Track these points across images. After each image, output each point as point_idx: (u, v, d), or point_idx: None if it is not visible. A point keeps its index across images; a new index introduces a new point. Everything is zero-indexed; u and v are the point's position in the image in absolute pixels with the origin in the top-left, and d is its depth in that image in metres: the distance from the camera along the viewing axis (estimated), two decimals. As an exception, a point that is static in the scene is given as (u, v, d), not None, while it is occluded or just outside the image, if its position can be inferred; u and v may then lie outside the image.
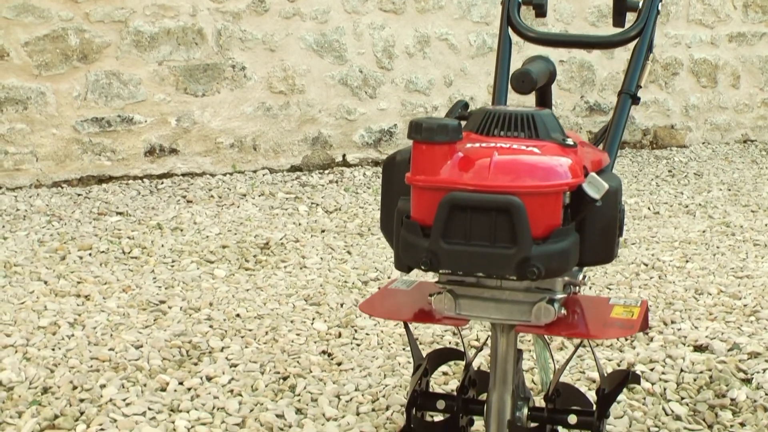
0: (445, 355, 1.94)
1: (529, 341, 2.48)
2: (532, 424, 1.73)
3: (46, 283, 3.01)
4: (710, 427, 2.08)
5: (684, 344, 2.54)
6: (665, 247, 3.61)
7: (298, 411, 2.13)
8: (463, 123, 1.62)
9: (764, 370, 2.35)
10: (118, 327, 2.62)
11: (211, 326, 2.64)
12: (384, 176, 1.67)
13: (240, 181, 4.59)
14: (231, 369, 2.35)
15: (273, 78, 4.80)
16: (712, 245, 3.64)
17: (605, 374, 1.78)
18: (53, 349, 2.45)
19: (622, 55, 5.63)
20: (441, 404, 1.77)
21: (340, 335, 2.60)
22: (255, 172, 4.79)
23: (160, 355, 2.41)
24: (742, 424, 2.08)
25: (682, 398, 2.22)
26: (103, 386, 2.21)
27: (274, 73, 4.80)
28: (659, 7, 1.96)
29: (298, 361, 2.40)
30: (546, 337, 1.99)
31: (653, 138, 5.97)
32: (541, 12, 2.09)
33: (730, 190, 4.76)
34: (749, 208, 4.32)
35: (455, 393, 1.78)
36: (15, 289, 2.93)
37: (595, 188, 1.51)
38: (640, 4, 1.96)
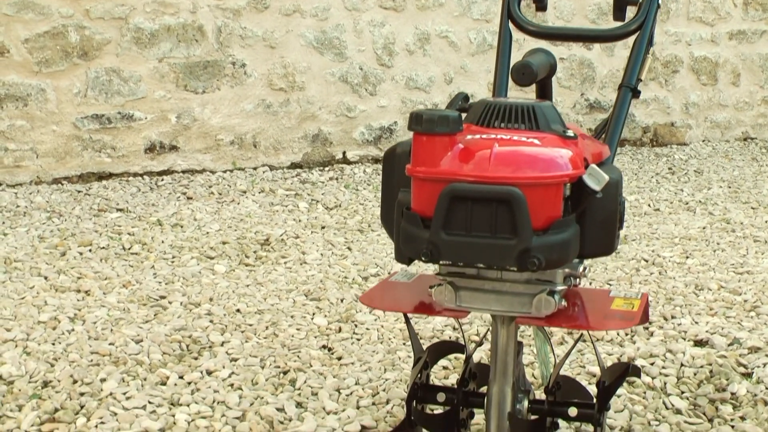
0: (445, 348, 1.94)
1: (530, 336, 2.48)
2: (533, 417, 1.73)
3: (46, 278, 3.01)
4: (710, 420, 2.08)
5: (684, 339, 2.54)
6: (665, 243, 3.61)
7: (299, 405, 2.13)
8: (464, 115, 1.62)
9: (764, 365, 2.35)
10: (118, 322, 2.62)
11: (211, 321, 2.64)
12: (384, 168, 1.68)
13: (240, 178, 4.59)
14: (231, 363, 2.35)
15: (273, 75, 4.80)
16: (713, 241, 3.64)
17: (605, 367, 1.79)
18: (53, 344, 2.45)
19: (623, 52, 5.63)
20: (441, 397, 1.77)
21: (340, 330, 2.60)
22: (255, 169, 4.79)
23: (160, 350, 2.41)
24: (743, 418, 2.08)
25: (683, 392, 2.22)
26: (103, 380, 2.21)
27: (274, 70, 4.80)
28: (659, 1, 1.97)
29: (298, 356, 2.40)
30: (546, 331, 1.99)
31: (653, 136, 5.97)
32: (541, 6, 2.09)
33: (730, 187, 4.76)
34: (749, 205, 4.32)
35: (455, 386, 1.79)
36: (15, 284, 2.93)
37: (595, 180, 1.51)
38: (641, -2, 1.96)
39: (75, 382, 2.21)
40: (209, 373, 2.29)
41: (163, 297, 2.84)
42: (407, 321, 1.81)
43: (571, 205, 1.53)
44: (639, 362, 2.37)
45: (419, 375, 1.77)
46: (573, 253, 1.51)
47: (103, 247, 3.38)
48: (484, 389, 1.76)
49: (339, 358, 2.40)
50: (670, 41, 5.91)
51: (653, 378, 2.27)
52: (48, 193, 4.20)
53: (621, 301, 1.68)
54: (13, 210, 3.91)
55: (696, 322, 2.68)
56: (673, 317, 2.72)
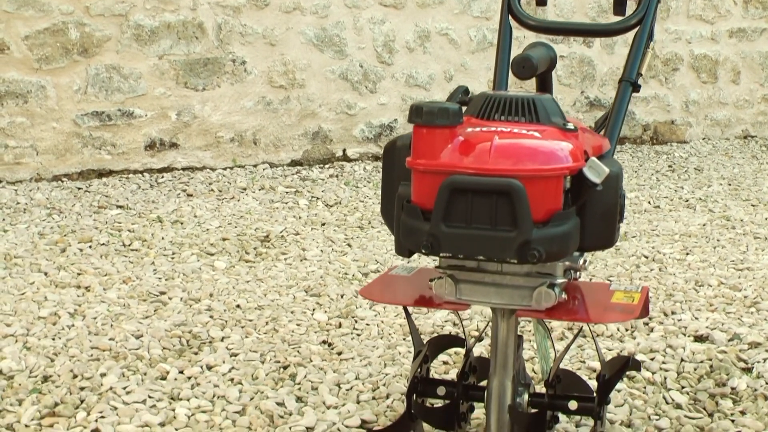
0: (445, 342, 1.94)
1: (530, 332, 2.48)
2: (533, 410, 1.73)
3: (46, 274, 3.01)
4: (711, 415, 2.08)
5: (684, 334, 2.54)
6: (665, 240, 3.61)
7: (299, 399, 2.13)
8: (464, 108, 1.62)
9: (765, 360, 2.35)
10: (118, 317, 2.62)
11: (211, 317, 2.64)
12: (384, 162, 1.68)
13: (240, 176, 4.59)
14: (231, 358, 2.35)
15: (273, 72, 4.80)
16: (713, 238, 3.64)
17: (605, 361, 1.79)
18: (53, 339, 2.45)
19: (623, 50, 5.62)
20: (441, 390, 1.77)
21: (340, 325, 2.60)
22: (255, 166, 4.79)
23: (160, 345, 2.41)
24: (743, 413, 2.08)
25: (683, 387, 2.22)
26: (103, 375, 2.21)
27: (274, 67, 4.80)
28: (660, -5, 1.97)
29: (298, 351, 2.40)
30: (547, 325, 1.99)
31: (653, 133, 5.97)
32: (541, 0, 2.09)
33: (730, 184, 4.76)
34: (749, 203, 4.32)
35: (456, 380, 1.79)
36: (15, 280, 2.93)
37: (595, 173, 1.51)
38: (641, -7, 1.96)
39: (75, 376, 2.21)
40: (209, 367, 2.29)
41: (163, 293, 2.84)
42: (407, 314, 1.81)
43: (571, 197, 1.53)
44: (639, 357, 2.37)
45: (419, 369, 1.77)
46: (573, 246, 1.52)
47: (103, 244, 3.38)
48: (484, 383, 1.76)
49: (339, 353, 2.40)
50: (670, 39, 5.91)
51: (653, 373, 2.27)
52: (48, 190, 4.20)
53: (621, 295, 1.68)
54: (13, 207, 3.91)
55: (696, 318, 2.68)
56: (673, 313, 2.72)
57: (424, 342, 1.84)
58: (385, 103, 5.09)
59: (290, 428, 1.98)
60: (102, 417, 2.00)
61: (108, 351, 2.37)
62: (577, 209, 1.53)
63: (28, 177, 4.35)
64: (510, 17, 2.01)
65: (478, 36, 5.28)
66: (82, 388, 2.14)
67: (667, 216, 4.04)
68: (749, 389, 2.19)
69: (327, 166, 4.92)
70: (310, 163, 4.94)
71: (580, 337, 2.49)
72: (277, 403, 2.09)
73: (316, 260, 3.24)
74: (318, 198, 4.21)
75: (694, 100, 6.04)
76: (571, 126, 1.56)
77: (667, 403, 2.13)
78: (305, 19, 4.84)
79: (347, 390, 2.18)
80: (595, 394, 1.74)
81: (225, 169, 4.71)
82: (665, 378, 2.25)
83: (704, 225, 3.86)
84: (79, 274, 3.01)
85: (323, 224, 3.75)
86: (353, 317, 2.66)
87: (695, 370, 2.30)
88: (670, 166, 5.24)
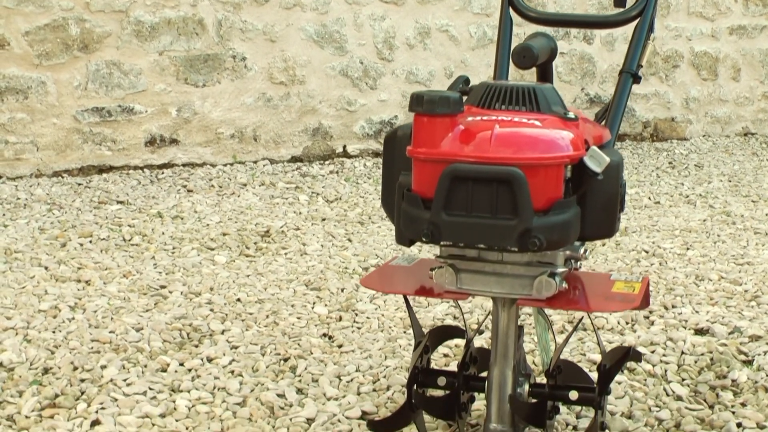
0: (446, 333, 1.94)
1: (530, 325, 2.48)
2: (533, 400, 1.73)
3: (46, 268, 3.01)
4: (711, 407, 2.08)
5: (685, 328, 2.54)
6: (666, 235, 3.61)
7: (299, 391, 2.13)
8: (465, 98, 1.62)
9: (765, 353, 2.35)
10: (118, 310, 2.62)
11: (211, 310, 2.64)
12: (385, 152, 1.68)
13: (240, 172, 4.58)
14: (232, 351, 2.35)
15: (273, 69, 4.80)
16: (713, 233, 3.64)
17: (606, 351, 1.78)
18: (54, 332, 2.45)
19: (623, 47, 5.62)
20: (442, 381, 1.77)
21: (340, 319, 2.60)
22: (255, 162, 4.78)
23: (160, 338, 2.41)
24: (743, 404, 2.08)
25: (683, 379, 2.22)
26: (103, 367, 2.21)
27: (274, 63, 4.80)
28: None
29: (298, 344, 2.40)
30: (547, 315, 1.99)
31: (654, 130, 5.97)
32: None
33: (730, 181, 4.76)
34: (750, 199, 4.32)
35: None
36: (15, 274, 2.93)
37: (596, 162, 1.51)
38: (641, -16, 1.96)
39: (75, 368, 2.21)
40: (210, 360, 2.29)
41: (163, 287, 2.84)
42: (407, 303, 1.81)
43: (572, 186, 1.53)
44: (639, 350, 2.36)
45: (420, 359, 1.77)
46: (574, 234, 1.52)
47: (104, 239, 3.38)
48: (484, 374, 1.76)
49: (339, 346, 2.40)
50: (670, 36, 5.91)
51: (654, 365, 2.27)
52: (48, 185, 4.20)
53: (622, 284, 1.68)
54: (13, 202, 3.91)
55: (696, 312, 2.68)
56: (673, 306, 2.72)
57: (425, 332, 1.84)
58: (385, 99, 5.09)
59: (291, 419, 1.98)
60: (102, 408, 2.00)
61: (108, 343, 2.37)
62: (578, 198, 1.53)
63: (28, 173, 4.35)
64: (510, 8, 2.01)
65: (478, 33, 5.28)
66: (82, 380, 2.14)
67: (668, 212, 4.04)
68: (750, 381, 2.19)
69: (327, 162, 4.92)
70: (311, 160, 4.94)
71: (580, 330, 2.49)
72: (278, 395, 2.09)
73: (317, 255, 3.24)
74: (318, 194, 4.21)
75: (695, 97, 6.04)
76: (571, 115, 1.56)
77: (668, 395, 2.13)
78: (305, 15, 4.84)
79: (348, 382, 2.18)
80: (595, 385, 1.74)
81: (225, 165, 4.71)
82: (666, 370, 2.25)
83: (704, 221, 3.86)
84: (79, 269, 3.01)
85: (323, 220, 3.75)
86: (353, 311, 2.66)
87: (696, 362, 2.30)
88: (670, 163, 5.24)
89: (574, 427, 1.96)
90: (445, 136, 1.48)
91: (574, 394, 1.71)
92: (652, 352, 2.36)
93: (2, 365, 2.22)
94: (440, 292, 1.61)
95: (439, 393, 1.81)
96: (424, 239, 1.48)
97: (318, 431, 1.93)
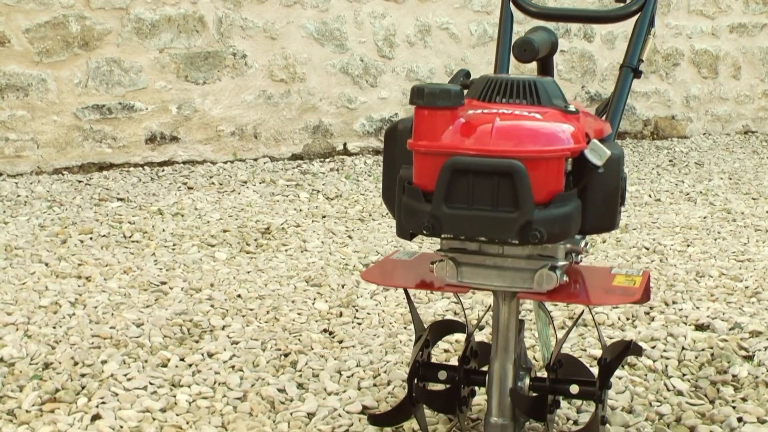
0: (446, 327, 1.94)
1: (531, 321, 2.48)
2: (534, 394, 1.73)
3: (47, 265, 3.01)
4: (712, 402, 2.08)
5: (685, 323, 2.54)
6: (666, 232, 3.61)
7: (300, 386, 2.13)
8: (465, 92, 1.62)
9: (766, 348, 2.35)
10: (119, 306, 2.62)
11: (212, 306, 2.64)
12: (386, 145, 1.68)
13: (241, 169, 4.58)
14: (232, 346, 2.34)
15: (274, 66, 4.80)
16: (713, 230, 3.64)
17: (606, 345, 1.78)
18: (54, 327, 2.45)
19: (623, 45, 5.62)
20: (443, 375, 1.77)
21: (341, 314, 2.60)
22: (256, 160, 4.78)
23: (161, 333, 2.41)
24: (744, 399, 2.08)
25: (684, 375, 2.22)
26: (104, 362, 2.21)
27: (275, 61, 4.80)
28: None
29: (299, 339, 2.40)
30: (549, 312, 1.99)
31: (654, 128, 5.97)
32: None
33: (731, 179, 4.76)
34: (750, 196, 4.32)
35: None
36: (16, 270, 2.93)
37: (597, 155, 1.51)
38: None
39: (76, 363, 2.21)
40: (210, 355, 2.29)
41: (163, 283, 2.84)
42: (408, 297, 1.81)
43: (572, 180, 1.53)
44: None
45: (420, 353, 1.77)
46: (575, 227, 1.52)
47: (104, 235, 3.38)
48: (485, 368, 1.76)
49: (340, 342, 2.40)
50: (670, 34, 5.91)
51: (654, 361, 2.27)
52: (49, 183, 4.20)
53: (622, 278, 1.68)
54: (13, 199, 3.91)
55: (697, 308, 2.68)
56: (674, 302, 2.72)
57: (425, 327, 1.84)
58: (385, 97, 5.09)
59: (291, 414, 1.98)
60: (103, 403, 2.00)
61: (109, 339, 2.37)
62: (579, 192, 1.53)
63: (28, 170, 4.35)
64: (510, 3, 2.01)
65: (478, 30, 5.28)
66: (83, 375, 2.14)
67: (668, 209, 4.03)
68: (750, 376, 2.19)
69: (328, 159, 4.92)
70: (311, 157, 4.94)
71: (581, 326, 2.50)
72: (278, 390, 2.09)
73: (317, 251, 3.24)
74: (319, 191, 4.21)
75: (695, 95, 6.04)
76: (572, 108, 1.56)
77: (669, 390, 2.13)
78: (306, 12, 4.84)
79: (348, 377, 2.18)
80: (596, 379, 1.74)
81: (226, 162, 4.71)
82: (666, 366, 2.25)
83: (705, 218, 3.86)
84: (79, 265, 3.01)
85: (324, 217, 3.75)
86: (354, 306, 2.66)
87: (696, 358, 2.30)
88: (670, 161, 5.24)
89: (575, 422, 1.96)
90: (446, 129, 1.48)
91: (574, 388, 1.71)
92: (653, 347, 2.36)
93: (3, 360, 2.22)
94: (441, 285, 1.61)
95: (440, 387, 1.81)
96: (425, 232, 1.48)
97: (319, 425, 1.93)
